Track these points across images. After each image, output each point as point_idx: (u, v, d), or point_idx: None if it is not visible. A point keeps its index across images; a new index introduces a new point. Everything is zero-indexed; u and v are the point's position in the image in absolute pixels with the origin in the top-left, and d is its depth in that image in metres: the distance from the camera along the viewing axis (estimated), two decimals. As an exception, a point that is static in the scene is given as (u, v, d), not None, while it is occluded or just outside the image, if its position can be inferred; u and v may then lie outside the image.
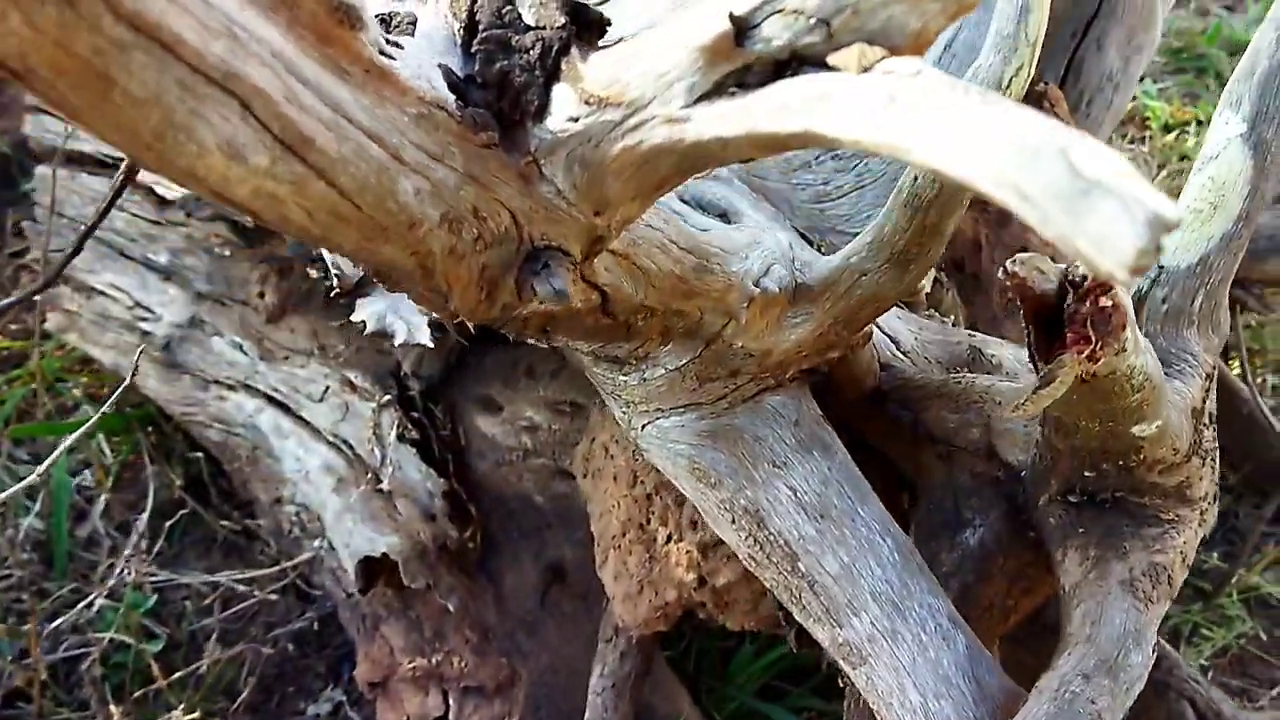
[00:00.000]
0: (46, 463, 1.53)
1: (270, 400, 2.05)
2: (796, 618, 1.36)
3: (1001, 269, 0.99)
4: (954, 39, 1.75)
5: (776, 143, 0.75)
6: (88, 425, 1.65)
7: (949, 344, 1.61)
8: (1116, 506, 1.34)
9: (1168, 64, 3.61)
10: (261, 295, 2.05)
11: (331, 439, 1.98)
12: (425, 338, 1.64)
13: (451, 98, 0.85)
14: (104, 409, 1.59)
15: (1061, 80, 2.05)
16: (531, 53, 0.87)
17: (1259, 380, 2.66)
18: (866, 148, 0.67)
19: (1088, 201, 0.58)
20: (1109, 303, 0.95)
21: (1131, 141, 3.38)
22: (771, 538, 1.34)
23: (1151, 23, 2.08)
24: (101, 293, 2.16)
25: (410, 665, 1.89)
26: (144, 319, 2.13)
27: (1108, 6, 2.02)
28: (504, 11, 0.88)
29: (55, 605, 2.08)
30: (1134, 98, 3.39)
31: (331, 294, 1.72)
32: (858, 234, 1.80)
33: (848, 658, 1.30)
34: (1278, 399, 2.63)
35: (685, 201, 1.82)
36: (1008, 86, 1.08)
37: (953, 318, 1.85)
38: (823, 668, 2.03)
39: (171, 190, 2.08)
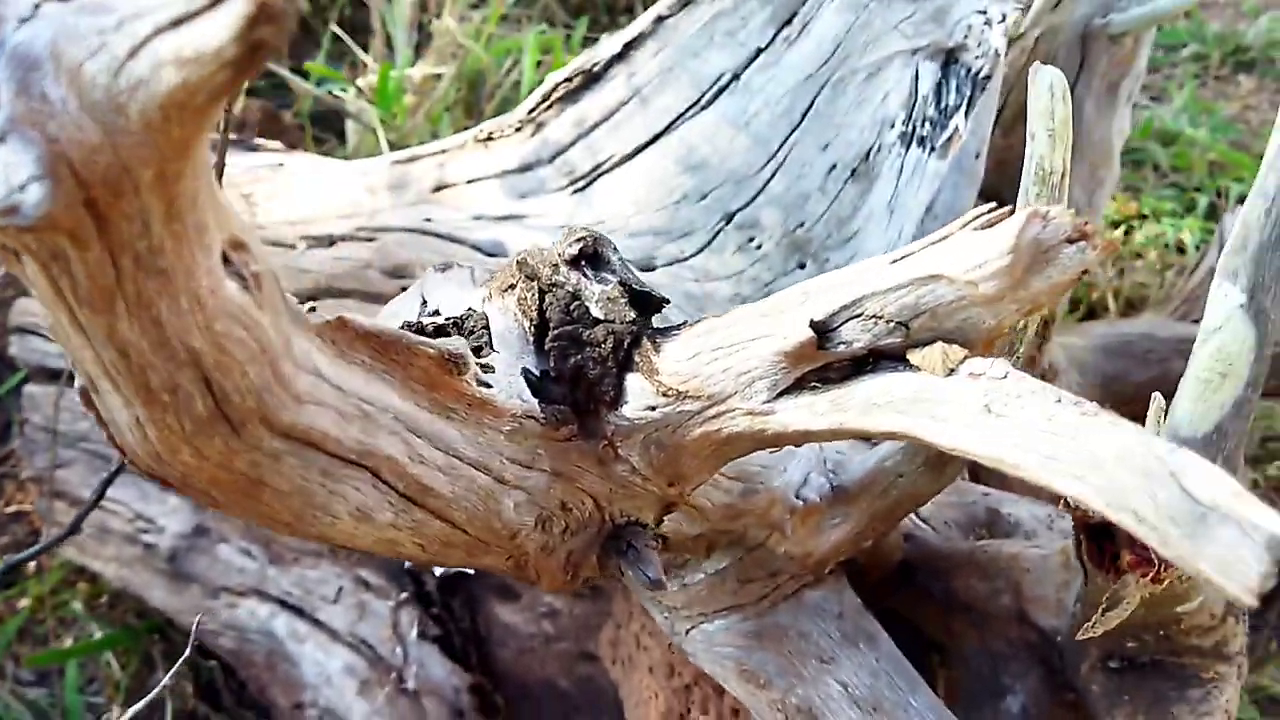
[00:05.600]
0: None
1: (283, 605, 2.05)
2: (855, 812, 1.38)
3: (1062, 500, 1.03)
4: (934, 200, 1.81)
5: (865, 435, 0.79)
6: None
7: (965, 505, 1.65)
8: (1156, 669, 1.38)
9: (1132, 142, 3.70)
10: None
11: (350, 640, 1.99)
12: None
13: (537, 403, 0.88)
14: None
15: (1029, 220, 2.11)
16: (604, 346, 0.90)
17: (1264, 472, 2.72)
18: (971, 457, 0.71)
19: (1206, 527, 0.62)
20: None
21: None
22: (828, 734, 1.36)
23: (1109, 158, 2.16)
24: (99, 506, 2.16)
25: None
26: (146, 530, 2.13)
27: (1067, 147, 2.09)
28: (572, 308, 0.91)
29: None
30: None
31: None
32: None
33: None
34: (1259, 494, 2.68)
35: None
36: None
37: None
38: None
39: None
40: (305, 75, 3.23)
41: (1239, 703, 1.40)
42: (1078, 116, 2.12)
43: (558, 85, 2.02)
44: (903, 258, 0.80)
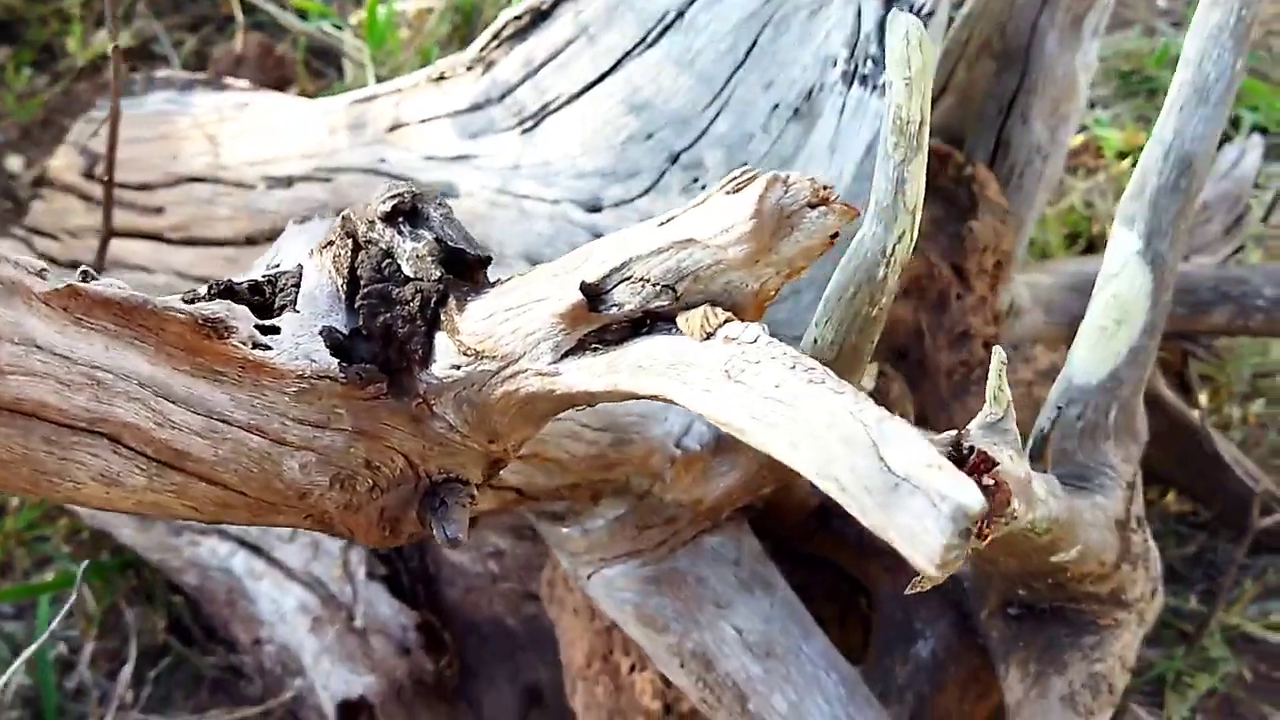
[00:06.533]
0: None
1: (241, 543, 2.08)
2: (752, 755, 1.38)
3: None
4: (875, 141, 1.78)
5: (636, 397, 0.79)
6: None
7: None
8: (1055, 616, 1.37)
9: (1118, 89, 3.63)
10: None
11: (304, 578, 2.02)
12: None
13: (335, 363, 0.88)
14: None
15: (992, 156, 2.08)
16: (411, 304, 0.91)
17: (1227, 413, 2.68)
18: (710, 420, 0.71)
19: (897, 497, 0.61)
20: (992, 481, 0.98)
21: (1087, 173, 3.40)
22: (720, 680, 1.36)
23: (1074, 92, 2.11)
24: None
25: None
26: (115, 468, 2.16)
27: (1029, 82, 2.06)
28: (384, 265, 0.92)
29: (50, 759, 2.11)
30: (1085, 128, 3.41)
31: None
32: (799, 338, 1.84)
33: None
34: (1245, 430, 2.65)
35: (626, 321, 1.87)
36: (891, 253, 1.11)
37: (899, 410, 1.88)
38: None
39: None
40: (304, 15, 3.23)
41: (1136, 647, 1.40)
42: (1040, 50, 2.10)
43: (508, 23, 2.01)
44: (668, 220, 0.79)
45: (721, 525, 1.41)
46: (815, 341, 1.19)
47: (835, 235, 0.75)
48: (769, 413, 0.67)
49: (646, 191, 1.89)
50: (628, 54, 1.91)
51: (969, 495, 0.60)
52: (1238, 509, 2.37)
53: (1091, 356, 1.31)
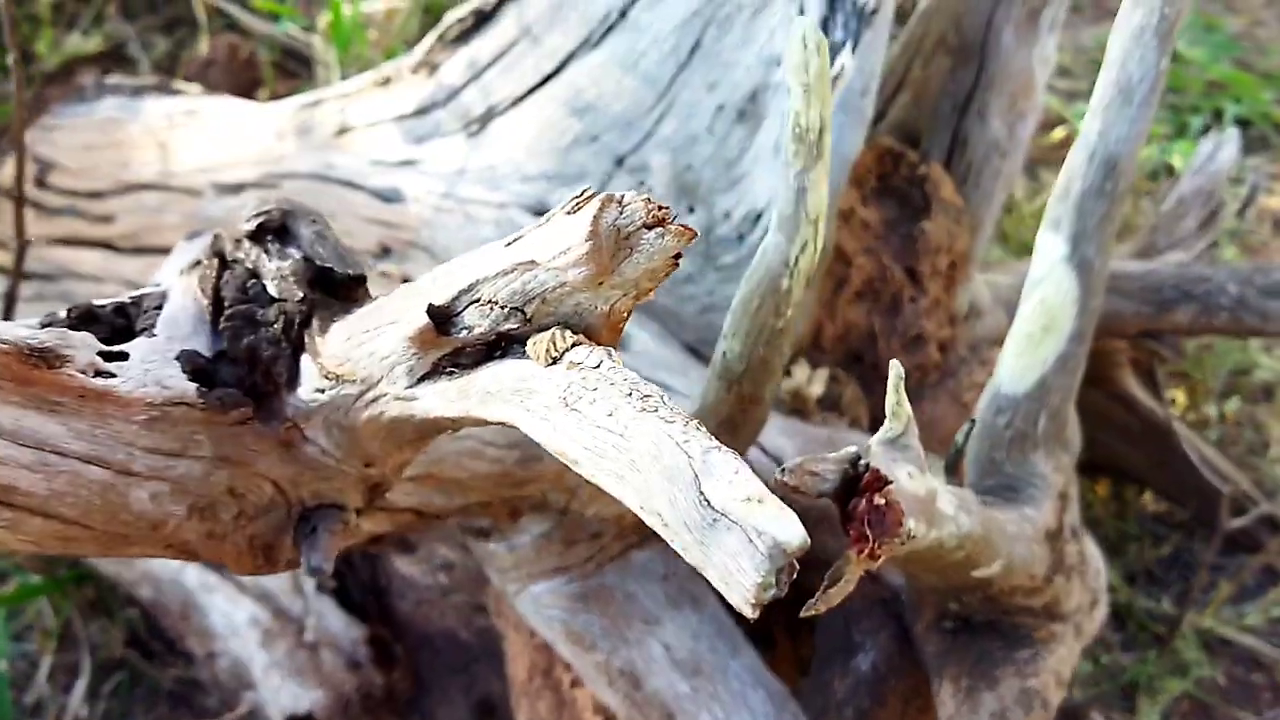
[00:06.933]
0: None
1: (194, 556, 2.06)
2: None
3: (775, 478, 0.99)
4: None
5: (487, 423, 0.76)
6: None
7: (835, 456, 1.61)
8: (990, 629, 1.34)
9: (1095, 79, 3.57)
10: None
11: (256, 592, 1.99)
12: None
13: (192, 388, 0.85)
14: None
15: (949, 154, 2.05)
16: (275, 326, 0.88)
17: (1205, 411, 2.64)
18: (549, 450, 0.68)
19: (714, 533, 0.58)
20: (883, 501, 0.95)
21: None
22: (649, 698, 1.34)
23: (1031, 88, 2.08)
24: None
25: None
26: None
27: (986, 78, 2.02)
28: (249, 286, 0.89)
29: (7, 775, 2.09)
30: (1065, 121, 3.37)
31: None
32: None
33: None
34: (1223, 428, 2.62)
35: (572, 328, 1.84)
36: (795, 264, 1.08)
37: (849, 417, 1.85)
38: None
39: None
40: (275, 18, 3.21)
41: (1076, 661, 1.36)
42: (996, 45, 2.06)
43: (452, 25, 1.98)
44: (515, 240, 0.76)
45: (651, 540, 1.38)
46: (724, 355, 1.16)
47: (679, 256, 0.72)
48: (600, 443, 0.64)
49: (593, 196, 1.86)
50: (571, 55, 1.89)
51: (788, 531, 0.57)
52: (1212, 509, 2.34)
53: (1018, 364, 1.28)
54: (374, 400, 0.84)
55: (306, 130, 2.09)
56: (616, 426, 0.64)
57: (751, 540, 0.57)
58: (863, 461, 0.99)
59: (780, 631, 1.65)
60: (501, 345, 0.77)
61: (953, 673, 1.33)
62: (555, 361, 0.71)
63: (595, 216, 0.70)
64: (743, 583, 0.57)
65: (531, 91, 1.90)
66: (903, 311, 1.89)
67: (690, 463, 0.60)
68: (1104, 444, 2.43)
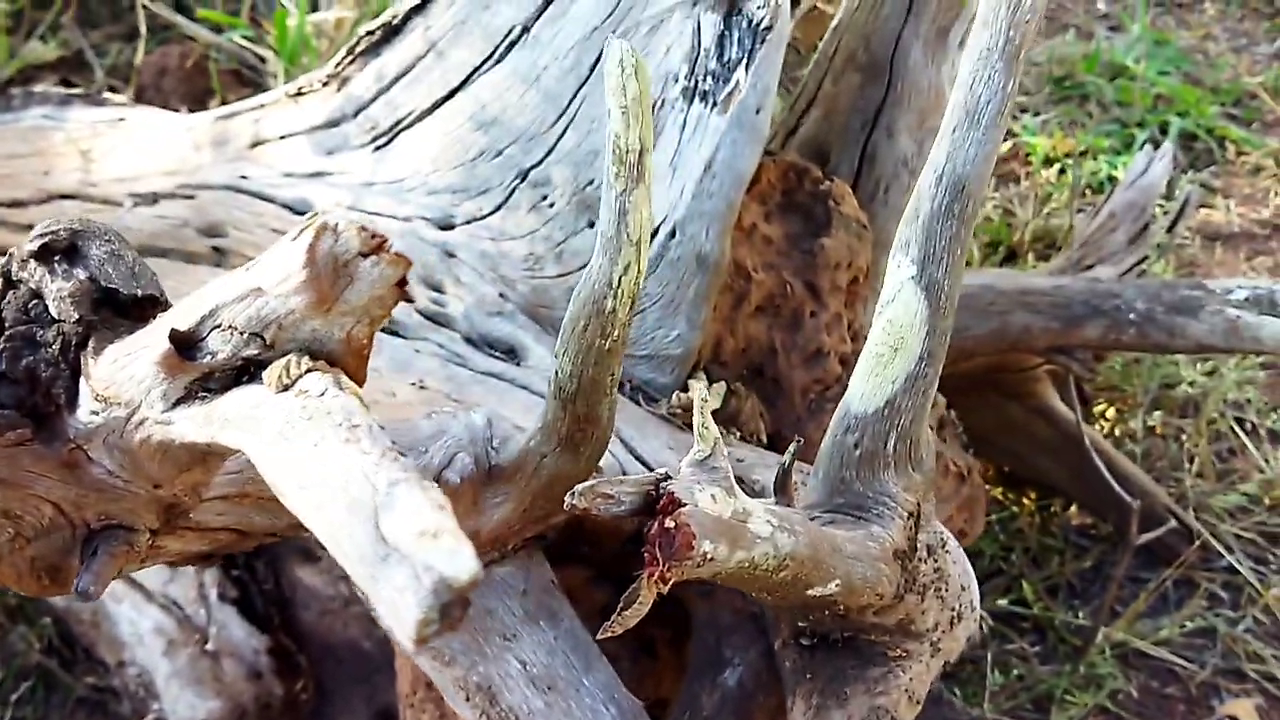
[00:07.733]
0: None
1: (104, 564, 2.06)
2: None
3: (566, 501, 0.99)
4: (714, 158, 1.75)
5: (229, 451, 0.76)
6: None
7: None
8: (846, 646, 1.34)
9: (1051, 94, 3.58)
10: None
11: (162, 600, 2.00)
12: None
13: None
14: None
15: (857, 170, 2.05)
16: (53, 347, 0.88)
17: (1130, 425, 2.65)
18: (266, 480, 0.68)
19: (386, 568, 0.59)
20: (672, 524, 0.95)
21: (1013, 180, 3.36)
22: (504, 714, 1.34)
23: (940, 105, 2.08)
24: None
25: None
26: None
27: (894, 95, 2.02)
28: (30, 307, 0.89)
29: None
30: (1013, 134, 3.38)
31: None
32: (646, 355, 1.81)
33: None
34: (1148, 441, 2.62)
35: (471, 341, 1.85)
36: (618, 285, 1.08)
37: (750, 428, 1.86)
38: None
39: None
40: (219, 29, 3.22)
41: (933, 679, 1.37)
42: (904, 62, 2.06)
43: (361, 38, 1.99)
44: (251, 266, 0.77)
45: (511, 556, 1.39)
46: (557, 374, 1.16)
47: (404, 283, 0.73)
48: (305, 474, 0.65)
49: (497, 209, 1.87)
50: (476, 70, 1.89)
51: (458, 565, 0.57)
52: (1124, 522, 2.34)
53: (868, 384, 1.28)
54: (140, 424, 0.84)
55: (222, 142, 2.10)
56: (319, 456, 0.64)
57: (418, 576, 0.57)
58: (661, 486, 0.99)
59: (663, 644, 1.66)
60: (250, 371, 0.77)
61: (805, 690, 1.33)
62: (287, 389, 0.72)
63: (310, 245, 0.70)
64: (406, 618, 0.57)
65: (437, 105, 1.91)
66: (803, 326, 1.90)
67: (374, 495, 0.61)
68: (1027, 458, 2.45)
